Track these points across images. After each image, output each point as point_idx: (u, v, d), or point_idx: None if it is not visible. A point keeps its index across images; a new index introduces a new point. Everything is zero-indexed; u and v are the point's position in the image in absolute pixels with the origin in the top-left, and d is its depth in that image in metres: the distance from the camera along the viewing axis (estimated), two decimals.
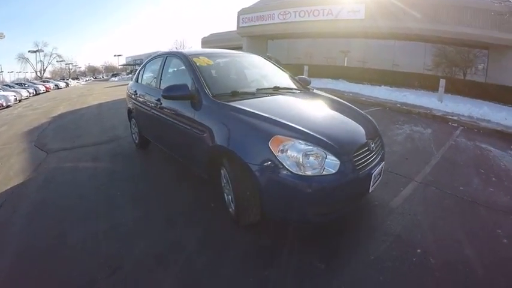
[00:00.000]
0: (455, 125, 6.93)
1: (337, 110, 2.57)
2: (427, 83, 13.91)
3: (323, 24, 15.87)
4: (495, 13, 11.82)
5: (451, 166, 3.91)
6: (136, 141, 4.36)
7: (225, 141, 2.08)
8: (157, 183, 3.22)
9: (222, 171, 2.27)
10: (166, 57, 3.34)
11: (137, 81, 4.14)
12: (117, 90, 15.82)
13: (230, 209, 2.26)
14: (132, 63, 49.66)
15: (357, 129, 2.23)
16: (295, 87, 3.07)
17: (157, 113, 3.12)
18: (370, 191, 2.09)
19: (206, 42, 29.87)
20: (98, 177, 3.37)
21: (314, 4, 15.96)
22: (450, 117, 7.41)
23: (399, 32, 14.42)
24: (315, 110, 2.54)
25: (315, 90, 3.15)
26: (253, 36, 19.83)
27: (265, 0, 19.34)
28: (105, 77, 55.76)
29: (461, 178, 3.43)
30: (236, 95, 2.45)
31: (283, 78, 3.23)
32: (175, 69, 3.31)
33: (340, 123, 2.29)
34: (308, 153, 1.77)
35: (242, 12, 19.80)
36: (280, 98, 2.66)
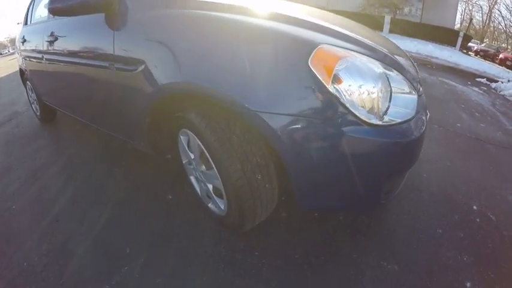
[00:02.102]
0: None
1: (356, 24, 1.71)
2: (364, 22, 14.04)
3: None
4: None
5: (434, 101, 3.88)
6: (38, 113, 3.03)
7: (195, 72, 1.04)
8: (75, 175, 2.02)
9: (180, 139, 1.32)
10: None
11: (26, 24, 2.75)
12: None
13: (211, 206, 1.33)
14: None
15: (401, 51, 1.53)
16: None
17: (53, 58, 1.95)
18: None
19: None
20: None
21: None
22: None
23: None
24: (337, 19, 1.58)
25: None
26: None
27: None
28: (11, 51, 45.64)
29: (451, 114, 3.43)
30: None
31: None
32: None
33: (383, 41, 1.41)
34: (382, 80, 0.93)
35: None
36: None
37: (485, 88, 5.49)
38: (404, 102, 1.00)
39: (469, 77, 6.25)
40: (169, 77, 1.10)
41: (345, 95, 0.87)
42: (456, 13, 16.88)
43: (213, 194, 1.25)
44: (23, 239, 1.47)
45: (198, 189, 1.41)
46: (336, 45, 0.94)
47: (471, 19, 29.58)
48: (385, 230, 1.42)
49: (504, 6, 41.37)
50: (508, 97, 5.03)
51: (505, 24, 31.58)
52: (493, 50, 18.65)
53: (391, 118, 0.93)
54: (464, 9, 35.03)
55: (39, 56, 2.14)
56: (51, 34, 1.85)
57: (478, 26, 35.99)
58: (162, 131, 1.38)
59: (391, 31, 10.41)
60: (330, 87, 0.87)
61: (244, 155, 1.01)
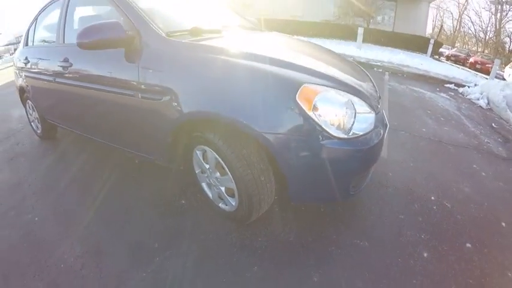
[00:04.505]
0: (381, 70, 7.57)
1: (325, 52, 2.19)
2: (338, 33, 14.76)
3: None
4: None
5: (403, 109, 4.33)
6: (39, 131, 3.23)
7: (214, 103, 1.40)
8: (91, 187, 2.29)
9: (196, 154, 1.67)
10: None
11: (27, 45, 2.97)
12: (2, 75, 12.45)
13: (221, 205, 1.73)
14: (14, 41, 41.10)
15: (363, 73, 1.96)
16: (256, 27, 2.58)
17: (66, 82, 2.18)
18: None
19: None
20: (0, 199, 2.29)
21: None
22: (374, 63, 8.07)
23: None
24: (312, 52, 2.03)
25: (274, 32, 2.66)
26: None
27: None
28: None
29: (417, 120, 3.88)
30: (198, 33, 1.73)
31: (235, 15, 2.63)
32: (87, 10, 2.40)
33: (348, 67, 1.87)
34: (348, 106, 1.33)
35: None
36: (261, 37, 2.16)
37: (453, 93, 5.99)
38: (365, 120, 1.41)
39: (438, 83, 6.76)
40: (191, 106, 1.46)
41: (320, 118, 1.27)
42: (427, 21, 18.14)
43: (226, 194, 1.62)
44: (54, 246, 1.72)
45: (209, 193, 1.78)
46: (314, 83, 1.34)
47: (441, 26, 31.48)
48: (357, 218, 1.85)
49: (473, 11, 44.28)
50: (474, 100, 5.48)
51: (475, 29, 33.81)
52: (464, 54, 20.00)
53: (355, 132, 1.35)
54: (436, 16, 37.31)
55: (49, 78, 2.38)
56: (65, 60, 2.10)
57: (449, 32, 38.30)
58: (179, 148, 1.73)
59: (364, 41, 11.05)
60: (310, 113, 1.26)
61: (251, 163, 1.39)
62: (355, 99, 1.39)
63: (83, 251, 1.66)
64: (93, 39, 1.55)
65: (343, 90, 1.38)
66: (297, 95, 1.27)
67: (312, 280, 1.43)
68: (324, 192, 1.48)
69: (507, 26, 27.83)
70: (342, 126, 1.31)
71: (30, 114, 3.29)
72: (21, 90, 3.14)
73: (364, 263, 1.52)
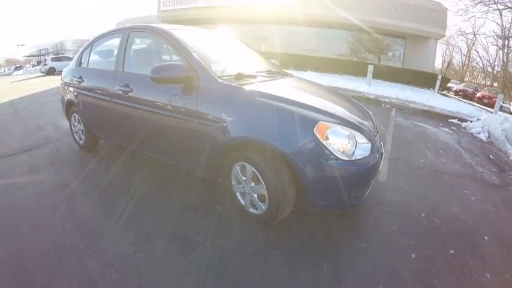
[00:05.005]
0: (388, 106, 8.01)
1: (336, 95, 2.70)
2: (350, 68, 15.55)
3: (251, 9, 16.23)
4: (415, 7, 14.69)
5: (405, 142, 4.70)
6: (81, 142, 3.58)
7: (255, 131, 1.91)
8: (136, 191, 2.67)
9: (235, 168, 2.12)
10: (129, 33, 2.80)
11: (80, 66, 3.43)
12: (27, 84, 12.96)
13: (252, 210, 2.15)
14: (36, 53, 43.94)
15: (365, 112, 2.46)
16: (280, 71, 3.06)
17: (125, 103, 2.62)
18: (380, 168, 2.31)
19: None
20: (48, 195, 2.62)
21: None
22: (382, 99, 8.53)
23: (324, 19, 15.64)
24: (325, 96, 2.53)
25: (294, 75, 3.19)
26: (174, 21, 18.92)
27: None
28: (7, 71, 46.33)
29: (418, 152, 4.22)
30: (241, 77, 2.25)
31: (264, 60, 3.16)
32: (147, 47, 2.88)
33: (353, 108, 2.40)
34: (350, 138, 1.84)
35: None
36: (287, 83, 2.64)
37: (455, 128, 6.25)
38: (363, 148, 1.90)
39: (442, 118, 7.09)
40: (238, 132, 1.97)
41: (330, 146, 1.78)
42: (435, 56, 19.00)
43: (257, 200, 2.06)
44: (108, 234, 2.07)
45: (242, 200, 2.22)
46: (326, 120, 1.85)
47: (449, 62, 32.02)
48: (358, 226, 2.28)
49: (481, 46, 45.08)
50: (475, 134, 5.67)
51: (483, 64, 34.35)
52: (471, 89, 20.60)
53: (356, 156, 1.84)
54: (445, 50, 38.30)
55: (107, 98, 2.81)
56: (126, 85, 2.57)
57: (458, 67, 39.06)
58: (220, 163, 2.18)
59: (374, 77, 11.60)
60: (323, 142, 1.77)
61: (280, 175, 1.87)
62: (357, 133, 1.89)
63: (135, 239, 2.02)
64: (163, 75, 2.10)
65: (347, 126, 1.89)
66: (314, 129, 1.79)
67: (322, 267, 1.83)
68: (332, 200, 1.94)
69: None
70: (345, 152, 1.82)
71: (75, 126, 3.65)
72: (69, 104, 3.53)
73: (363, 258, 1.91)
